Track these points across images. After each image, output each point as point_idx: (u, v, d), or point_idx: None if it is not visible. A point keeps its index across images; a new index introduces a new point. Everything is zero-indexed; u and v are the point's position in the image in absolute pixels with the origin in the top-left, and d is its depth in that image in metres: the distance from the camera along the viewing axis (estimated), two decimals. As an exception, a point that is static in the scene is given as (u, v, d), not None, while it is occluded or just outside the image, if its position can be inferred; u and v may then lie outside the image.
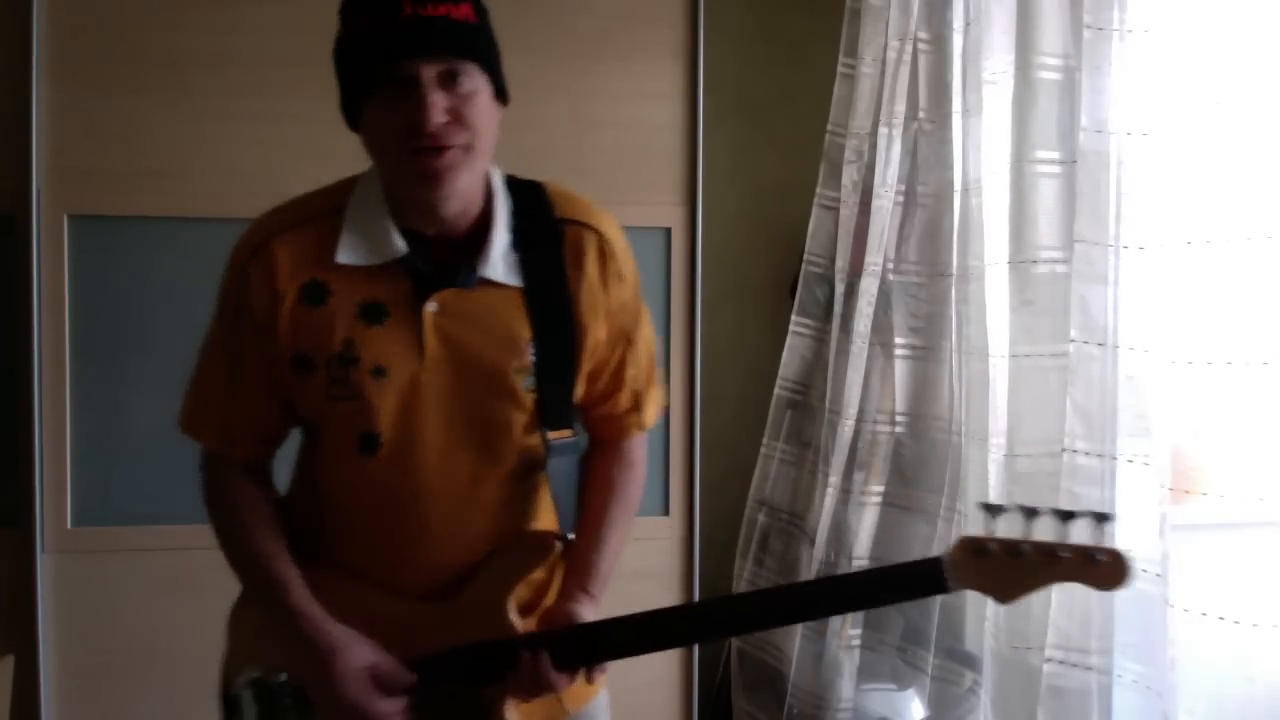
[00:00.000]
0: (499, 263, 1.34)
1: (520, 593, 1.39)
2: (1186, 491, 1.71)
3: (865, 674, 2.48)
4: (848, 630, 2.47)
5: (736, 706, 2.77)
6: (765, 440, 2.76)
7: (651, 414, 1.52)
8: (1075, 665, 1.82)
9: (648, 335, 1.50)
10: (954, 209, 2.29)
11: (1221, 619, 1.62)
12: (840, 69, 2.62)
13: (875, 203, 2.46)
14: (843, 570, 2.47)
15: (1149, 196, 1.77)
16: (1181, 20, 1.74)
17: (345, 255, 1.33)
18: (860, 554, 2.45)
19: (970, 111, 2.20)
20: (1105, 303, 1.82)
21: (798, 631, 2.54)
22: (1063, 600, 1.83)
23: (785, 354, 2.73)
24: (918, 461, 2.42)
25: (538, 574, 1.44)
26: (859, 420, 2.49)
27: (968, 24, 2.23)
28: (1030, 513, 1.25)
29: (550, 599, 1.45)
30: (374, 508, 1.39)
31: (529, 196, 1.40)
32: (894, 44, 2.45)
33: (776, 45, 2.98)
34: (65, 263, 2.46)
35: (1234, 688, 1.76)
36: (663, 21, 2.72)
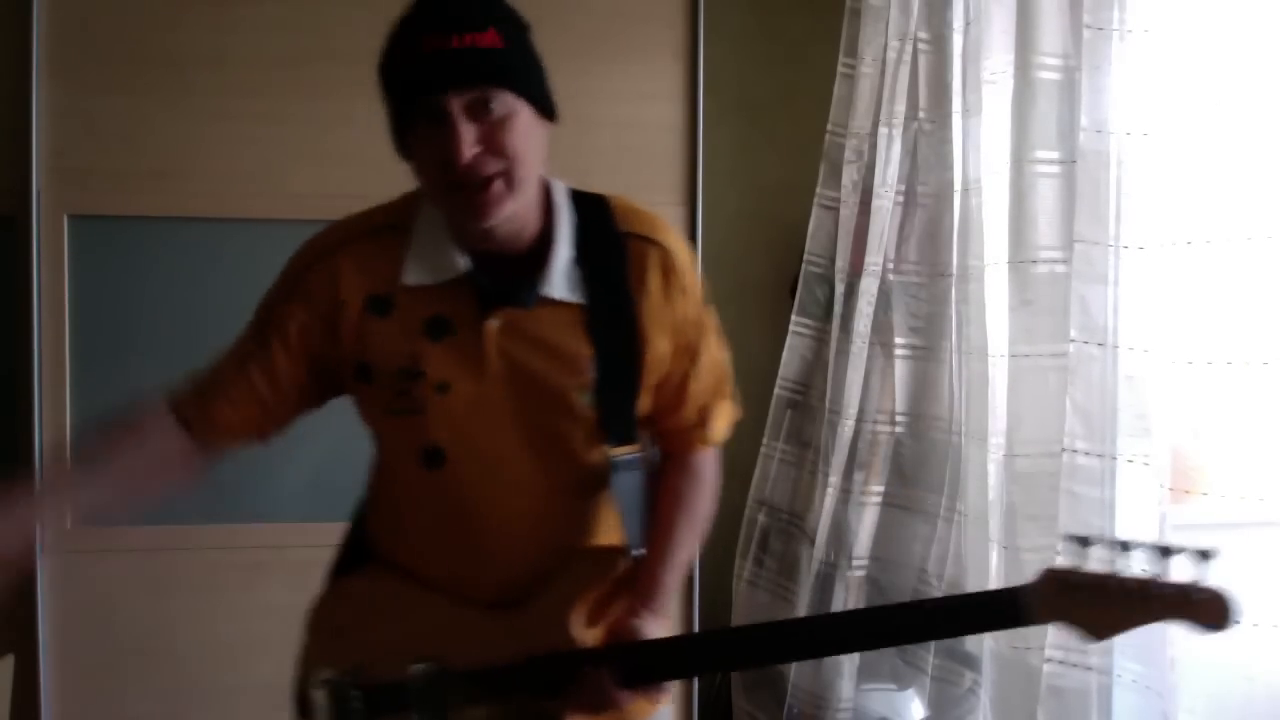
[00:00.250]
0: (560, 280, 1.34)
1: (585, 607, 1.39)
2: (1186, 491, 1.71)
3: (865, 674, 2.48)
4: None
5: (736, 706, 2.76)
6: (765, 440, 2.76)
7: (720, 428, 1.52)
8: (1075, 665, 1.82)
9: (714, 349, 1.49)
10: (954, 209, 2.29)
11: (1222, 619, 1.62)
12: (840, 69, 2.62)
13: (875, 203, 2.46)
14: (842, 570, 2.47)
15: (1149, 196, 1.77)
16: (1181, 20, 1.74)
17: (412, 276, 1.34)
18: (860, 554, 2.46)
19: (970, 111, 2.20)
20: (1105, 303, 1.82)
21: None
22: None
23: (785, 354, 2.73)
24: (918, 461, 2.42)
25: (603, 588, 1.43)
26: (859, 420, 2.49)
27: (967, 24, 2.23)
28: (1123, 546, 1.17)
29: (615, 614, 1.43)
30: (436, 518, 1.39)
31: (593, 210, 1.39)
32: (894, 44, 2.45)
33: (776, 45, 2.98)
34: (65, 263, 2.46)
35: (1234, 688, 1.76)
36: (662, 21, 2.72)
